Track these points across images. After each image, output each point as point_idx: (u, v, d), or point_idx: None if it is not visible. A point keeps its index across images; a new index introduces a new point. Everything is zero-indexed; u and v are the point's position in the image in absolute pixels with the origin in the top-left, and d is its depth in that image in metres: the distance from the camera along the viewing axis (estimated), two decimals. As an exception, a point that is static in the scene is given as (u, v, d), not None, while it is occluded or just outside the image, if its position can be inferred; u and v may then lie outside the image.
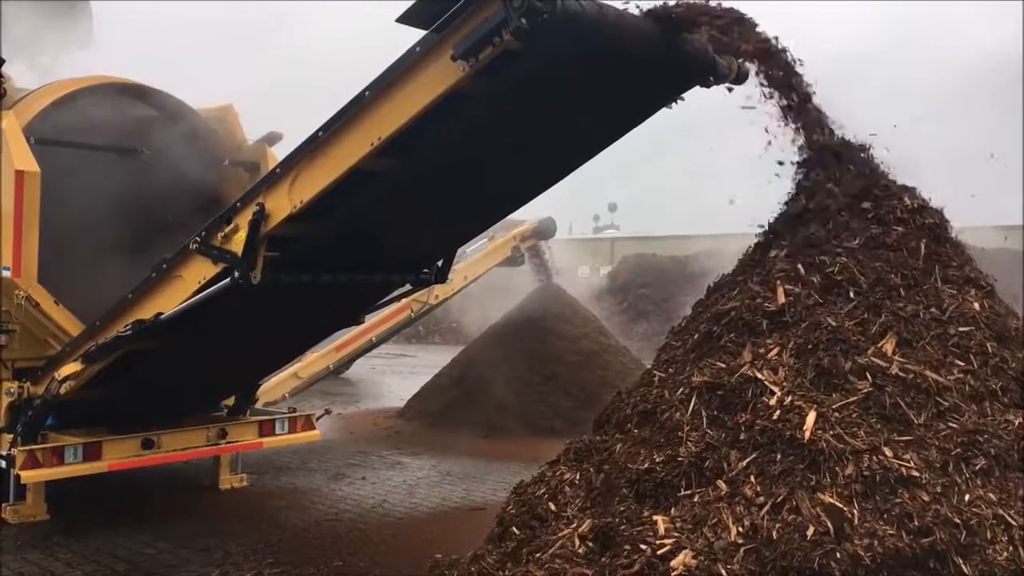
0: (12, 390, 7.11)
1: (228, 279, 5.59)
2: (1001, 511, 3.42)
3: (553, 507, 3.98)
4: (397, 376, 18.10)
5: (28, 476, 6.72)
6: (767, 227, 4.67)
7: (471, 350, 13.17)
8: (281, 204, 5.36)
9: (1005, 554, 3.28)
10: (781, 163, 4.66)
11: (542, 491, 4.14)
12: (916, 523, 3.30)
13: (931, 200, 4.59)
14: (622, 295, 21.95)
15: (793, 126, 4.57)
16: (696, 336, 4.32)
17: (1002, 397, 3.90)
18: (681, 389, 4.05)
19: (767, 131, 4.57)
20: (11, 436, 6.87)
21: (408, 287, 7.07)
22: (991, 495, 3.49)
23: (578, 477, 4.11)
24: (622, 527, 3.57)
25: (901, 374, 3.77)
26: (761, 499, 3.44)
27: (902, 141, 4.80)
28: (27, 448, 6.67)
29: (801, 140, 4.59)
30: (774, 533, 3.32)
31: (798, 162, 4.62)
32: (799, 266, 4.24)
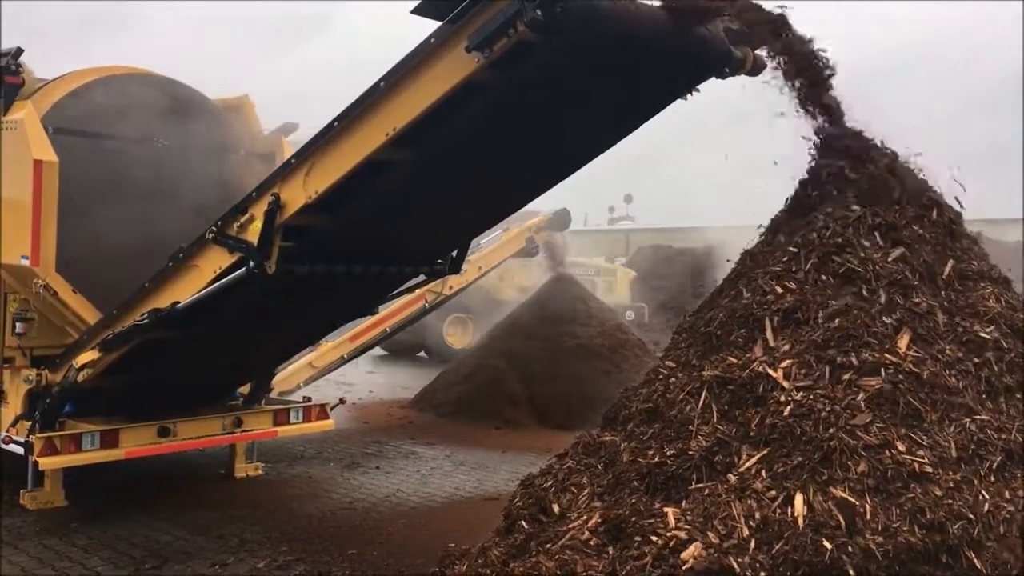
0: (30, 378, 7.17)
1: (244, 269, 5.63)
2: (1014, 507, 3.41)
3: (561, 500, 3.99)
4: (411, 366, 18.15)
5: (46, 463, 6.78)
6: (778, 221, 4.65)
7: (485, 341, 13.19)
8: (296, 194, 5.39)
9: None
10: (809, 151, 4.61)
11: (549, 483, 4.15)
12: (928, 518, 3.29)
13: (945, 195, 4.55)
14: (638, 287, 21.94)
15: (808, 117, 4.54)
16: (706, 331, 4.30)
17: (1017, 393, 3.88)
18: (692, 383, 4.04)
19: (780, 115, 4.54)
20: (29, 423, 6.94)
21: (422, 278, 7.10)
22: (1005, 491, 3.47)
23: (586, 470, 4.12)
24: (633, 519, 3.57)
25: (915, 370, 3.75)
26: (772, 493, 3.43)
27: (921, 135, 4.77)
28: (45, 435, 6.74)
29: (815, 130, 4.56)
30: (785, 526, 3.31)
31: (811, 153, 4.59)
32: (811, 261, 4.22)
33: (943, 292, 4.14)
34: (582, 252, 21.69)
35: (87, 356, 6.60)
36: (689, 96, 5.11)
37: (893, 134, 4.59)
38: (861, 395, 3.65)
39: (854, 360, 3.77)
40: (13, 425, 7.15)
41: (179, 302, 6.08)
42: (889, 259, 4.15)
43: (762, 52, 4.80)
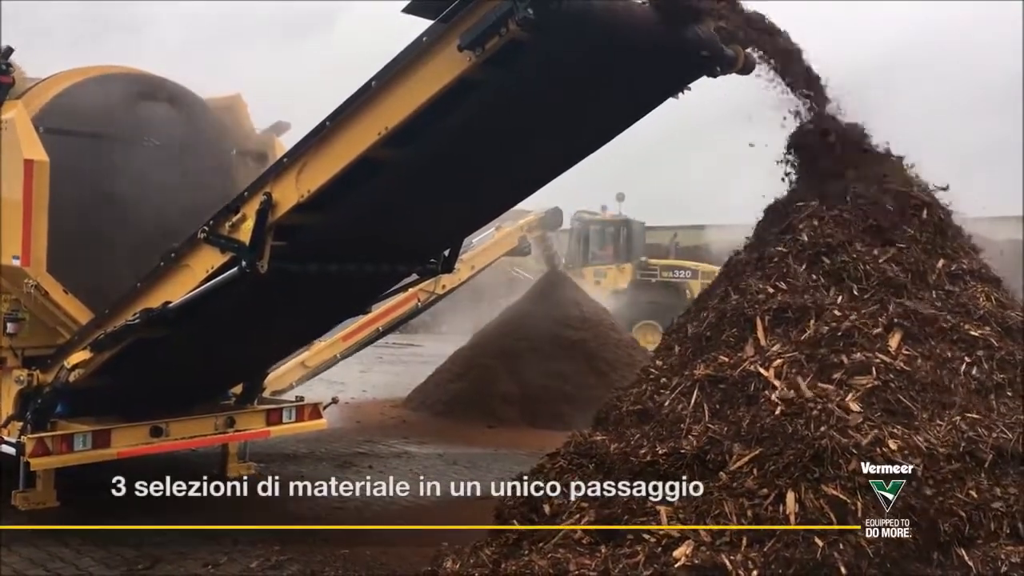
0: (22, 378, 7.12)
1: (235, 268, 5.61)
2: (1005, 504, 3.43)
3: (553, 499, 3.99)
4: (404, 366, 18.12)
5: (38, 463, 6.74)
6: (767, 220, 4.66)
7: (477, 341, 13.18)
8: (288, 194, 5.37)
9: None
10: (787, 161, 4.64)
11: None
12: (920, 515, 3.31)
13: (937, 193, 4.57)
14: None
15: (798, 114, 4.56)
16: (696, 332, 4.31)
17: (1007, 391, 3.90)
18: (683, 383, 4.05)
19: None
20: (21, 424, 6.90)
21: (415, 277, 7.08)
22: (995, 488, 3.49)
23: (578, 470, 4.11)
24: (625, 518, 3.58)
25: (906, 369, 3.76)
26: (764, 491, 3.44)
27: (915, 134, 4.78)
28: (37, 436, 6.70)
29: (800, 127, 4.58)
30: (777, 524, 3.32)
31: (791, 148, 4.61)
32: (802, 262, 4.22)
33: (934, 291, 4.16)
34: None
35: (79, 356, 6.56)
36: (680, 94, 5.11)
37: (894, 132, 4.62)
38: (852, 394, 3.66)
39: (845, 359, 3.78)
40: (4, 426, 7.10)
41: (170, 302, 6.06)
42: (880, 259, 4.17)
43: (752, 50, 4.81)
